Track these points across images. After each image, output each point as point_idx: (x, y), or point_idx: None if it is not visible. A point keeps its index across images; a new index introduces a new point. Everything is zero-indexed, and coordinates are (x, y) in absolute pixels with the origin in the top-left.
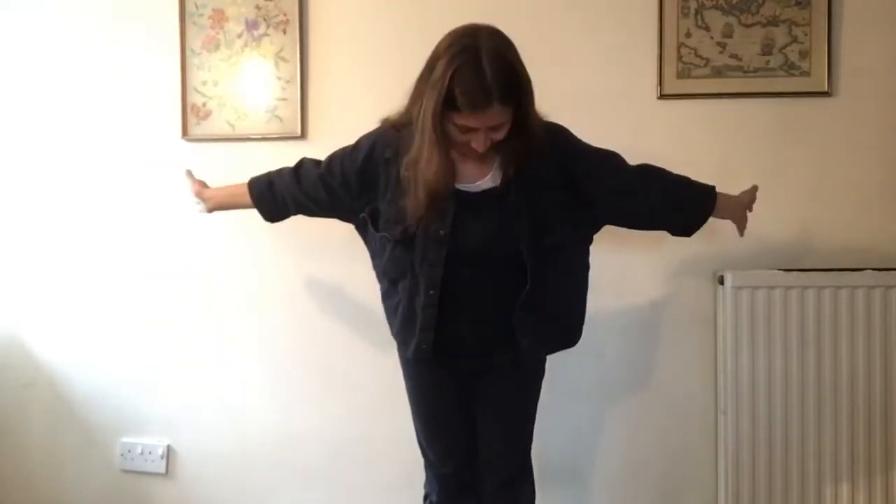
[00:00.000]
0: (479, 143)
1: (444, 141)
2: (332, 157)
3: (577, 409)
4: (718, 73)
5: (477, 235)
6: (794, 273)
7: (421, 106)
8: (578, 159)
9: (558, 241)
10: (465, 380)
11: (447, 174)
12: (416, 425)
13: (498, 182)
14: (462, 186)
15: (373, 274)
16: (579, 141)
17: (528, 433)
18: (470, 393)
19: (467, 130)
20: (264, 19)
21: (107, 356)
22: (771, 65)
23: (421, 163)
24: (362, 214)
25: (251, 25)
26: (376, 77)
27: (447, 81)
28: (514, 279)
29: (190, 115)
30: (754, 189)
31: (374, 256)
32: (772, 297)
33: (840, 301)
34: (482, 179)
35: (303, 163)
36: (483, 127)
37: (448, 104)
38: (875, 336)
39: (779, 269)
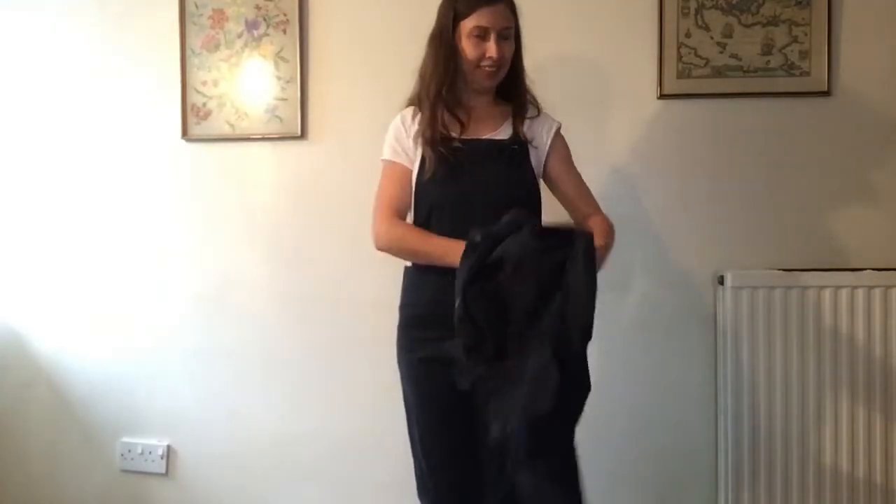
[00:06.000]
0: (492, 48)
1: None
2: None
3: None
4: (718, 73)
5: (482, 178)
6: (794, 273)
7: (432, 60)
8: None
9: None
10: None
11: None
12: (414, 449)
13: (507, 136)
14: (475, 135)
15: (373, 274)
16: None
17: None
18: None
19: (481, 39)
20: (264, 19)
21: (107, 356)
22: (771, 65)
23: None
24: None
25: (251, 25)
26: (376, 77)
27: (453, 1)
28: None
29: (190, 115)
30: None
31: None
32: (772, 297)
33: (840, 301)
34: (493, 132)
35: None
36: (495, 29)
37: (458, 17)
38: (875, 336)
39: (779, 269)
